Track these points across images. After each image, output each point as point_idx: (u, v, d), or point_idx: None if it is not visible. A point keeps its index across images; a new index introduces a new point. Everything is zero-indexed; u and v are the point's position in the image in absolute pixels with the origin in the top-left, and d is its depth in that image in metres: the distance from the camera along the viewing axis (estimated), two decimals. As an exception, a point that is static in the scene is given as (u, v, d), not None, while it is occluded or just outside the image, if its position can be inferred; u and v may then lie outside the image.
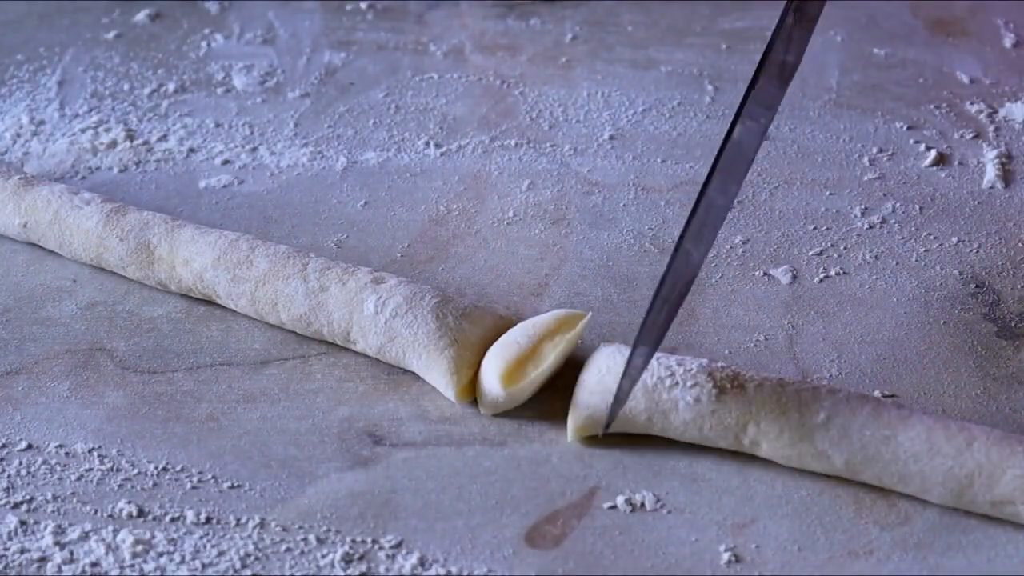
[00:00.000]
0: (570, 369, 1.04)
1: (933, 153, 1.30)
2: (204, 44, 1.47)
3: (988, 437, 0.96)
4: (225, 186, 1.27)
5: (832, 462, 0.96)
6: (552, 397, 1.04)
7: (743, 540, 0.94)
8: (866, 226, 1.22)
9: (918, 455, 0.95)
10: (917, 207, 1.24)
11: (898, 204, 1.24)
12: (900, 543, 0.94)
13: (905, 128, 1.34)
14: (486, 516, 0.96)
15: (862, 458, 0.96)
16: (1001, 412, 1.04)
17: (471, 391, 1.04)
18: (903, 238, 1.20)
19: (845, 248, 1.19)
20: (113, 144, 1.32)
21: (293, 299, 1.08)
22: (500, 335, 1.05)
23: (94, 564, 0.93)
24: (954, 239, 1.20)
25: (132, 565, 0.93)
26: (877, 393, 1.05)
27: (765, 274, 1.17)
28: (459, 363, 1.03)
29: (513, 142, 1.32)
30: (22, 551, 0.93)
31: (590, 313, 1.07)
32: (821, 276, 1.16)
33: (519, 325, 1.05)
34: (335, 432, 1.03)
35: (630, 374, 0.98)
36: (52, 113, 1.36)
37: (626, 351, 1.01)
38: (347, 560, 0.93)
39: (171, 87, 1.40)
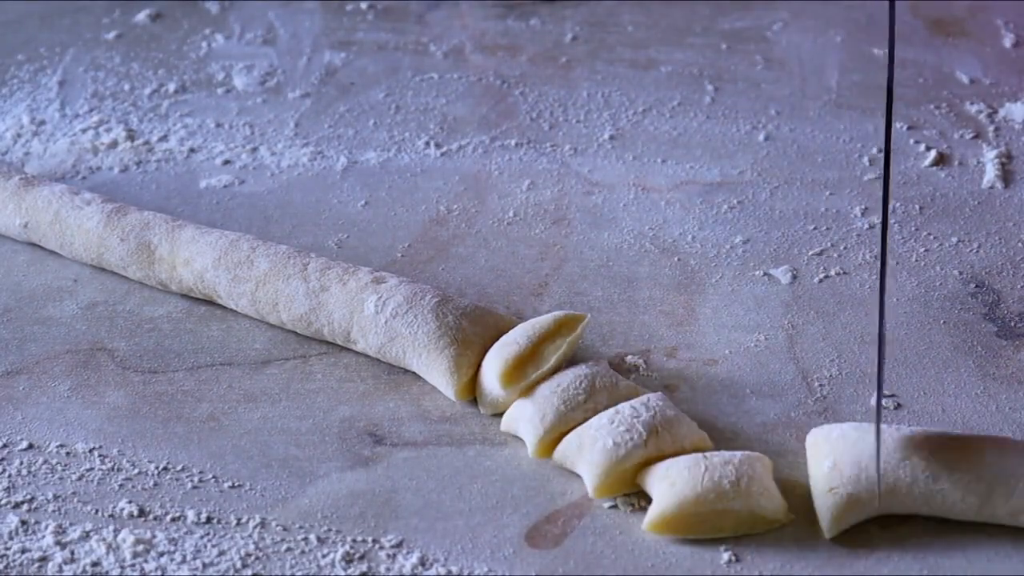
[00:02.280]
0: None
1: (933, 153, 1.30)
2: (204, 44, 1.47)
3: (998, 446, 0.95)
4: (226, 186, 1.27)
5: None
6: (552, 397, 1.03)
7: (743, 540, 0.94)
8: (866, 226, 1.22)
9: (937, 475, 0.94)
10: (917, 207, 1.24)
11: (898, 204, 1.24)
12: (900, 543, 0.94)
13: (905, 128, 1.34)
14: (486, 516, 0.96)
15: (886, 491, 0.94)
16: (1001, 412, 1.04)
17: (471, 390, 1.04)
18: (903, 238, 1.20)
19: (845, 248, 1.19)
20: (114, 144, 1.32)
21: (294, 299, 1.08)
22: (500, 335, 1.05)
23: (95, 564, 0.93)
24: (954, 239, 1.20)
25: (133, 565, 0.93)
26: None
27: (765, 274, 1.17)
28: (459, 362, 1.03)
29: (513, 142, 1.32)
30: (23, 551, 0.94)
31: (589, 315, 1.07)
32: (821, 276, 1.16)
33: (519, 326, 1.05)
34: (336, 432, 1.03)
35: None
36: (53, 113, 1.36)
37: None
38: (348, 560, 0.93)
39: (171, 87, 1.40)
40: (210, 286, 1.11)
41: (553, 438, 0.99)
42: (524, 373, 1.02)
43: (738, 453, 0.96)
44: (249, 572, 0.92)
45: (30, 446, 1.01)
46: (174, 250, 1.12)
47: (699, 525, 0.94)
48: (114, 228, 1.14)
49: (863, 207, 1.24)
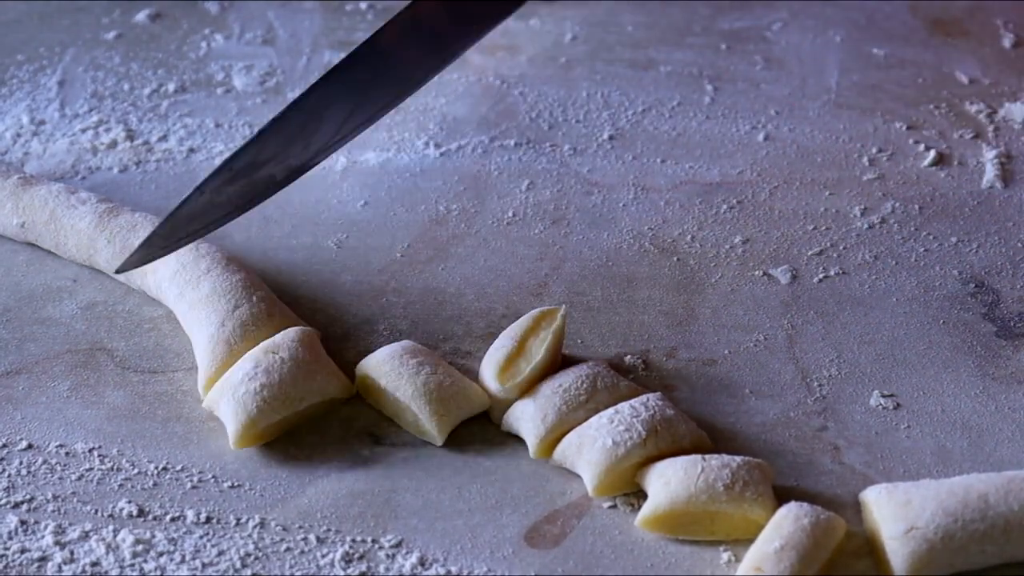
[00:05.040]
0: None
1: (932, 153, 1.30)
2: (204, 44, 1.47)
3: (1004, 485, 0.93)
4: (225, 186, 1.27)
5: None
6: (552, 397, 1.03)
7: (743, 541, 0.94)
8: (865, 226, 1.22)
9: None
10: (916, 207, 1.24)
11: (897, 204, 1.24)
12: (899, 543, 0.94)
13: (904, 128, 1.34)
14: (486, 515, 0.96)
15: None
16: (1000, 412, 1.04)
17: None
18: (902, 238, 1.21)
19: (844, 248, 1.19)
20: (113, 144, 1.32)
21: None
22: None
23: (94, 564, 0.93)
24: (953, 239, 1.20)
25: (132, 565, 0.93)
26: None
27: (764, 274, 1.17)
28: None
29: (513, 142, 1.32)
30: (22, 551, 0.94)
31: (564, 306, 1.06)
32: (820, 276, 1.16)
33: (503, 332, 1.05)
34: (335, 432, 1.03)
35: None
36: (52, 113, 1.36)
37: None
38: (347, 559, 0.93)
39: (171, 87, 1.40)
40: (168, 297, 1.11)
41: (554, 438, 0.99)
42: (518, 369, 1.02)
43: (738, 458, 0.96)
44: (248, 572, 0.92)
45: (29, 446, 1.01)
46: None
47: (692, 525, 0.94)
48: (104, 229, 1.14)
49: (862, 207, 1.24)
